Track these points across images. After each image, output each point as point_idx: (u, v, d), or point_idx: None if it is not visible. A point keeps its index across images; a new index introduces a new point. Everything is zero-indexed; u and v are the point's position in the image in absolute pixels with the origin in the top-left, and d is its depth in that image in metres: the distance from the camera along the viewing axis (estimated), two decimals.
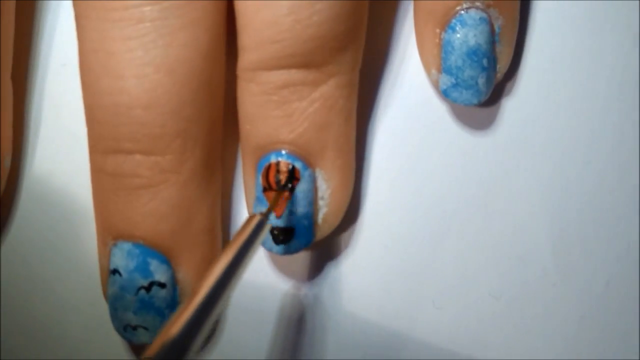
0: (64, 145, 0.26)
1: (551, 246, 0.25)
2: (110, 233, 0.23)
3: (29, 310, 0.25)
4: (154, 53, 0.22)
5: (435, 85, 0.25)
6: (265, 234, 0.22)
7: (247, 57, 0.23)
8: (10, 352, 0.25)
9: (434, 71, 0.24)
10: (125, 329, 0.23)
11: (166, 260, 0.23)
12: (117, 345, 0.25)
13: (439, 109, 0.26)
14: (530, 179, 0.25)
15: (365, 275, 0.25)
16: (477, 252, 0.25)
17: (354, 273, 0.25)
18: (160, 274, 0.23)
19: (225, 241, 0.25)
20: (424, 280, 0.25)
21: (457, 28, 0.24)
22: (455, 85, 0.24)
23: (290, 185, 0.23)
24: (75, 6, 0.23)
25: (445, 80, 0.24)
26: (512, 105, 0.26)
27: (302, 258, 0.25)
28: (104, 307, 0.24)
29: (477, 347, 0.25)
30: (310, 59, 0.23)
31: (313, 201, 0.24)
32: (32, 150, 0.26)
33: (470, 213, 0.25)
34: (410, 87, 0.26)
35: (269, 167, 0.23)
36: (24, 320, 0.25)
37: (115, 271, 0.23)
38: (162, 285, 0.23)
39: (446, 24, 0.24)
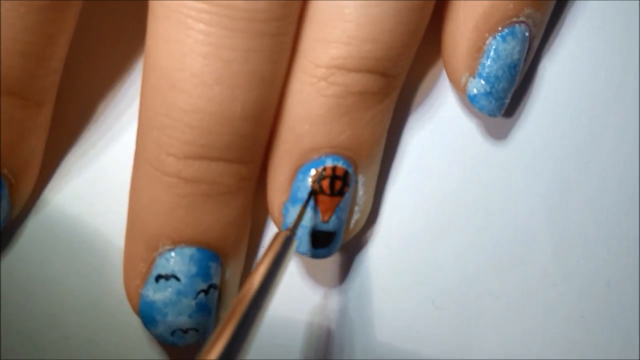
0: (74, 152, 0.26)
1: (551, 246, 0.25)
2: (168, 238, 0.23)
3: (29, 311, 0.25)
4: (266, 67, 0.22)
5: (462, 89, 0.24)
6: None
7: (331, 52, 0.22)
8: (10, 352, 0.25)
9: (466, 74, 0.24)
10: (173, 334, 0.23)
11: (221, 262, 0.23)
12: (118, 346, 0.25)
13: (438, 111, 0.26)
14: (530, 179, 0.25)
15: (366, 275, 0.25)
16: (477, 252, 0.25)
17: (354, 273, 0.25)
18: (217, 276, 0.23)
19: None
20: (424, 280, 0.25)
21: (508, 39, 0.23)
22: (487, 94, 0.24)
23: (343, 192, 0.23)
24: (180, 6, 0.22)
25: (479, 86, 0.24)
26: (511, 107, 0.26)
27: (301, 259, 0.25)
28: (105, 308, 0.24)
29: (477, 347, 0.25)
30: (391, 67, 0.23)
31: (352, 207, 0.24)
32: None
33: (471, 213, 0.25)
34: (409, 89, 0.26)
35: (323, 171, 0.23)
36: (24, 320, 0.25)
37: (168, 276, 0.23)
38: (216, 287, 0.23)
39: (498, 31, 0.23)
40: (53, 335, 0.25)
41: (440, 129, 0.26)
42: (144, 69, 0.23)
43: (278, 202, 0.24)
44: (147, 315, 0.23)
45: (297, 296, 0.25)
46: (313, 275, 0.25)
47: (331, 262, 0.25)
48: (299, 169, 0.23)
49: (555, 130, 0.26)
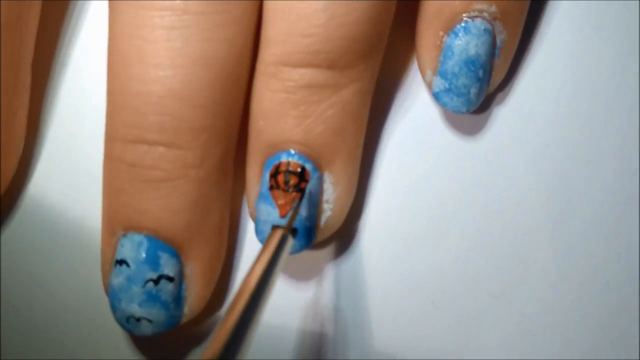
0: (66, 141, 0.26)
1: (551, 246, 0.25)
2: (120, 223, 0.23)
3: (29, 310, 0.25)
4: (194, 46, 0.22)
5: (429, 86, 0.25)
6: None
7: (273, 50, 0.23)
8: (10, 352, 0.25)
9: (429, 72, 0.24)
10: (127, 320, 0.23)
11: (176, 254, 0.23)
12: (118, 346, 0.25)
13: (438, 111, 0.26)
14: (530, 179, 0.25)
15: (365, 275, 0.25)
16: (477, 252, 0.25)
17: (353, 273, 0.25)
18: (169, 267, 0.23)
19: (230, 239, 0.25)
20: (424, 280, 0.25)
21: (460, 34, 0.24)
22: (447, 91, 0.24)
23: (300, 187, 0.23)
24: None
25: (439, 84, 0.24)
26: (512, 106, 0.26)
27: (299, 259, 0.25)
28: (104, 307, 0.24)
29: (477, 347, 0.25)
30: (337, 60, 0.23)
31: (317, 203, 0.24)
32: (33, 148, 0.26)
33: (471, 213, 0.25)
34: (408, 89, 0.26)
35: (278, 166, 0.23)
36: (24, 320, 0.25)
37: (122, 262, 0.23)
38: (170, 279, 0.23)
39: (450, 29, 0.24)
40: (53, 335, 0.25)
41: (439, 129, 0.26)
42: None
43: (252, 198, 0.24)
44: (110, 301, 0.23)
45: (293, 297, 0.25)
46: (311, 275, 0.25)
47: (329, 262, 0.25)
48: (263, 165, 0.24)
49: (555, 130, 0.26)
